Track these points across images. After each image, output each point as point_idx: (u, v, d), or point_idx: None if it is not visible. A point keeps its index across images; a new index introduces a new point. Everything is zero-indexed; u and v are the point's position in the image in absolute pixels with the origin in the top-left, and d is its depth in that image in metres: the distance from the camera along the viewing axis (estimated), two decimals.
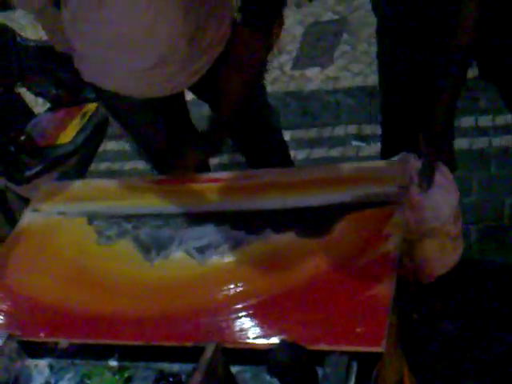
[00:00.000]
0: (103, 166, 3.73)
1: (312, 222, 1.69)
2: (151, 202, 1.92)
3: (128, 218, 1.90)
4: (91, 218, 1.94)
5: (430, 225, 1.63)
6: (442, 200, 1.64)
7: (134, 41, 1.89)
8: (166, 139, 2.18)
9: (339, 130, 3.33)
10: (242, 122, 2.24)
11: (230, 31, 2.03)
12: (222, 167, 3.27)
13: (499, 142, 2.95)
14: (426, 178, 1.65)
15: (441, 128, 1.73)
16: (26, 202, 2.74)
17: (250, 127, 2.30)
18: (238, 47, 1.90)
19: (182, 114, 2.25)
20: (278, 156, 2.40)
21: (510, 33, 1.78)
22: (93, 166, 3.26)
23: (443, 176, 1.67)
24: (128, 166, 3.66)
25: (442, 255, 1.68)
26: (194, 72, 2.01)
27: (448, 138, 1.82)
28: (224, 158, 3.38)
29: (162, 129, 2.17)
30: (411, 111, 1.96)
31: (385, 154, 2.06)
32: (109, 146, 3.75)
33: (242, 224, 1.75)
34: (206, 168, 2.42)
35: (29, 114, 3.11)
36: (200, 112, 2.40)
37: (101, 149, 3.21)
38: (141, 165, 3.47)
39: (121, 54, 1.94)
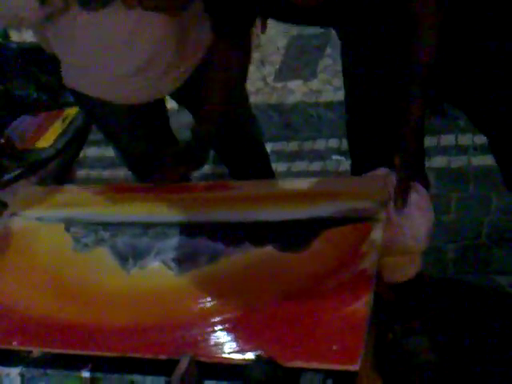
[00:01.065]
0: (82, 172, 3.70)
1: (291, 236, 1.69)
2: (129, 211, 1.91)
3: (106, 225, 1.88)
4: (69, 224, 1.92)
5: (407, 244, 1.63)
6: (419, 221, 1.65)
7: (117, 45, 1.89)
8: (145, 147, 2.17)
9: (320, 144, 3.33)
10: (226, 133, 2.24)
11: (212, 38, 2.04)
12: (204, 178, 3.25)
13: (478, 161, 2.97)
14: (401, 198, 1.65)
15: (414, 148, 1.73)
16: (3, 206, 2.72)
17: (234, 138, 2.30)
18: (217, 62, 1.90)
19: (163, 122, 2.25)
20: (260, 168, 2.40)
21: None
22: None
23: (421, 197, 1.67)
24: (107, 173, 3.64)
25: (397, 269, 1.68)
26: (176, 78, 2.02)
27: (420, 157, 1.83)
28: (206, 169, 3.37)
29: (142, 136, 2.16)
30: (376, 130, 1.98)
31: (355, 173, 2.07)
32: (88, 152, 3.72)
33: (221, 236, 1.75)
34: (187, 179, 2.42)
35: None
36: (179, 121, 2.39)
37: (80, 155, 3.19)
38: (121, 172, 3.45)
39: (104, 60, 1.94)
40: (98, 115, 2.16)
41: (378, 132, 1.96)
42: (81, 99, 2.13)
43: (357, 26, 1.81)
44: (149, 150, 2.18)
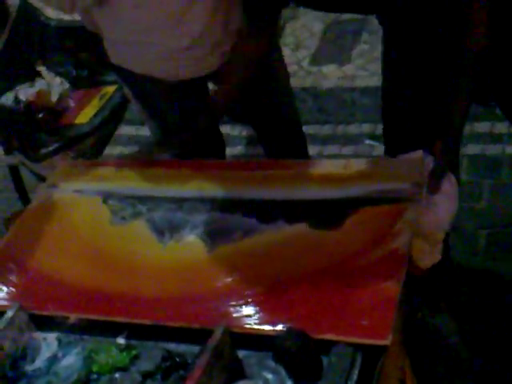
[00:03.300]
0: (117, 150, 3.74)
1: (325, 214, 1.71)
2: (167, 186, 1.94)
3: (143, 199, 1.92)
4: (106, 197, 1.96)
5: (430, 229, 1.64)
6: (445, 209, 1.66)
7: (169, 22, 1.91)
8: (188, 124, 2.20)
9: (353, 129, 3.34)
10: (266, 112, 2.27)
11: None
12: (238, 158, 3.28)
13: None
14: (435, 183, 1.66)
15: (456, 138, 1.75)
16: (40, 179, 2.77)
17: (273, 117, 2.32)
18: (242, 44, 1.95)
19: (205, 99, 2.27)
20: (296, 149, 2.42)
21: None
22: (106, 150, 3.27)
23: (452, 187, 1.69)
24: None
25: (419, 256, 1.68)
26: (221, 55, 2.04)
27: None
28: (239, 150, 3.40)
29: (185, 114, 2.19)
30: (412, 117, 1.99)
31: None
32: (123, 130, 3.76)
33: (256, 212, 1.78)
34: (222, 158, 2.44)
35: None
36: None
37: (115, 133, 3.23)
38: None
39: (154, 36, 1.96)
40: (143, 92, 2.18)
41: (414, 119, 1.97)
42: (126, 76, 2.14)
43: (398, 12, 1.81)
44: (191, 128, 2.21)
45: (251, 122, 2.55)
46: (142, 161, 2.04)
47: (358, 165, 1.81)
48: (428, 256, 1.68)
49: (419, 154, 1.74)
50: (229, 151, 3.21)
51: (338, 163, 1.88)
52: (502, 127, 3.04)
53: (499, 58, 1.79)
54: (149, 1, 1.88)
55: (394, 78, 2.04)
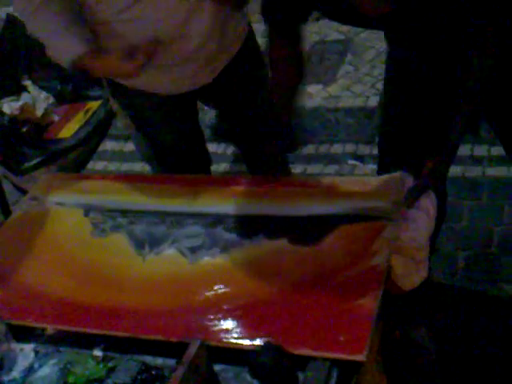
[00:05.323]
0: (100, 165, 3.75)
1: (305, 230, 1.72)
2: (148, 199, 1.95)
3: (124, 212, 1.93)
4: (88, 209, 1.97)
5: (408, 244, 1.65)
6: (423, 225, 1.67)
7: (166, 38, 1.91)
8: (175, 139, 2.21)
9: (336, 148, 3.36)
10: (247, 127, 2.28)
11: (246, 32, 2.12)
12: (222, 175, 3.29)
13: (493, 172, 2.99)
14: (412, 199, 1.68)
15: (447, 162, 1.77)
16: (22, 192, 2.77)
17: (255, 135, 2.33)
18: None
19: (193, 116, 2.29)
20: (278, 167, 2.43)
21: None
22: (90, 165, 3.28)
23: (431, 204, 1.70)
24: (125, 167, 3.68)
25: (404, 274, 1.69)
26: (214, 69, 2.06)
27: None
28: (224, 167, 3.41)
29: (172, 128, 2.20)
30: (410, 139, 2.00)
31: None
32: (107, 145, 3.77)
33: (236, 227, 1.79)
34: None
35: None
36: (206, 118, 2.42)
37: (99, 148, 3.24)
38: (137, 167, 3.50)
39: None
40: (133, 105, 2.18)
41: (410, 137, 1.99)
42: (116, 89, 2.15)
43: (410, 32, 1.81)
44: (178, 143, 2.22)
45: (234, 140, 2.56)
46: (125, 175, 2.05)
47: (338, 183, 1.83)
48: (414, 274, 1.69)
49: (398, 173, 1.76)
50: (214, 168, 3.23)
51: (318, 180, 1.90)
52: (482, 150, 3.07)
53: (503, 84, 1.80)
54: (144, 17, 1.88)
55: (394, 94, 2.06)
